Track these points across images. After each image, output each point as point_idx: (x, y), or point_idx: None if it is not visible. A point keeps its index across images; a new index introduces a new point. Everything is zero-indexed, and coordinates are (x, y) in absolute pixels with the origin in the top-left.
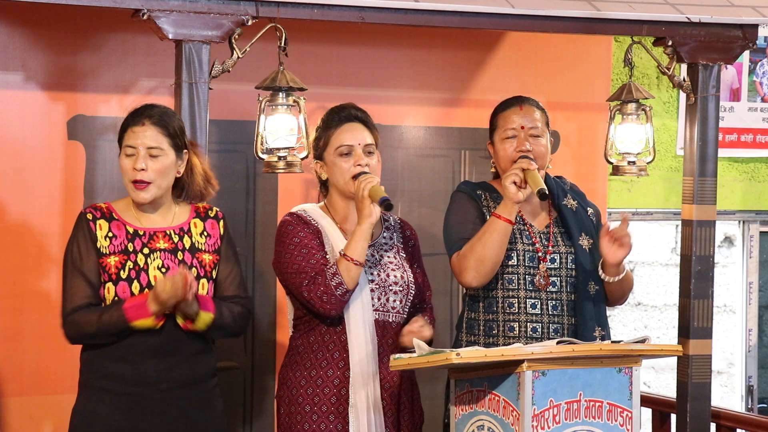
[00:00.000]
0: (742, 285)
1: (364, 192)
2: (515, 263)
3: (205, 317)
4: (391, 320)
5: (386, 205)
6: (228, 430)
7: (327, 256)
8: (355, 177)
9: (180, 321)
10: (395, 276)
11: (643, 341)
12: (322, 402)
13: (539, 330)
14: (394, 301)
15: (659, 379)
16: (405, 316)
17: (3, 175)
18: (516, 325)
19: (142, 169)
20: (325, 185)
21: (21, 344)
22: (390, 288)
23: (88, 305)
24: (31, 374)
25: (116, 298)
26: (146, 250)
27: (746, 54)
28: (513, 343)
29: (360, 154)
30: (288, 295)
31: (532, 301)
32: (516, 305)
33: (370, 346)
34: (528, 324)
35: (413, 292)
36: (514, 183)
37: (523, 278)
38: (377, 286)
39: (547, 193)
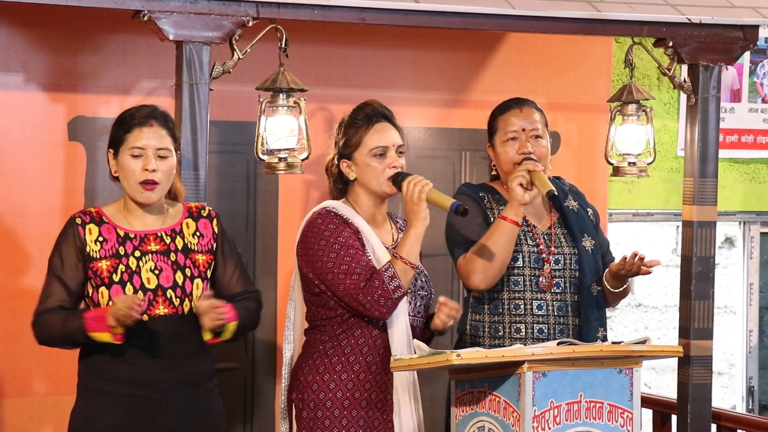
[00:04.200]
0: (742, 286)
1: (420, 195)
2: (521, 265)
3: (231, 327)
4: (416, 325)
5: (463, 211)
6: (228, 431)
7: (369, 257)
8: (395, 179)
9: (207, 337)
10: (421, 280)
11: (643, 342)
12: (352, 406)
13: (545, 331)
14: (420, 305)
15: (660, 379)
16: (423, 320)
17: (3, 176)
18: (522, 326)
19: (154, 170)
20: (345, 183)
21: (21, 345)
22: (418, 293)
23: (59, 308)
24: (30, 375)
25: (110, 302)
26: (138, 253)
27: (747, 55)
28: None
29: (394, 156)
30: (314, 295)
31: (538, 302)
32: (522, 307)
33: (409, 350)
34: (534, 325)
35: (433, 296)
36: (521, 185)
37: (529, 280)
38: (409, 291)
39: (556, 194)
